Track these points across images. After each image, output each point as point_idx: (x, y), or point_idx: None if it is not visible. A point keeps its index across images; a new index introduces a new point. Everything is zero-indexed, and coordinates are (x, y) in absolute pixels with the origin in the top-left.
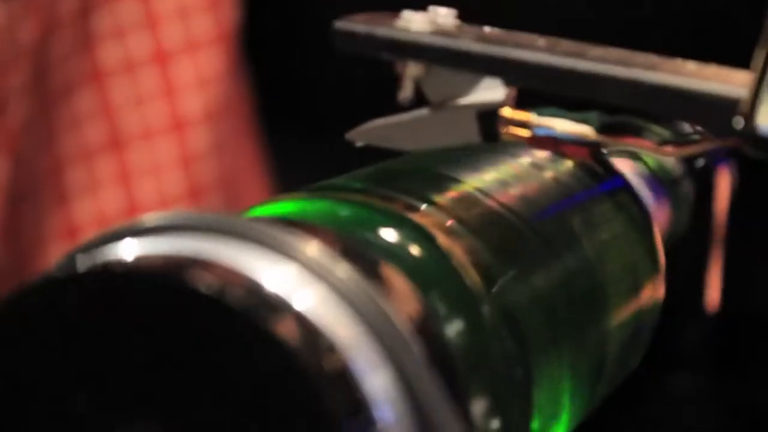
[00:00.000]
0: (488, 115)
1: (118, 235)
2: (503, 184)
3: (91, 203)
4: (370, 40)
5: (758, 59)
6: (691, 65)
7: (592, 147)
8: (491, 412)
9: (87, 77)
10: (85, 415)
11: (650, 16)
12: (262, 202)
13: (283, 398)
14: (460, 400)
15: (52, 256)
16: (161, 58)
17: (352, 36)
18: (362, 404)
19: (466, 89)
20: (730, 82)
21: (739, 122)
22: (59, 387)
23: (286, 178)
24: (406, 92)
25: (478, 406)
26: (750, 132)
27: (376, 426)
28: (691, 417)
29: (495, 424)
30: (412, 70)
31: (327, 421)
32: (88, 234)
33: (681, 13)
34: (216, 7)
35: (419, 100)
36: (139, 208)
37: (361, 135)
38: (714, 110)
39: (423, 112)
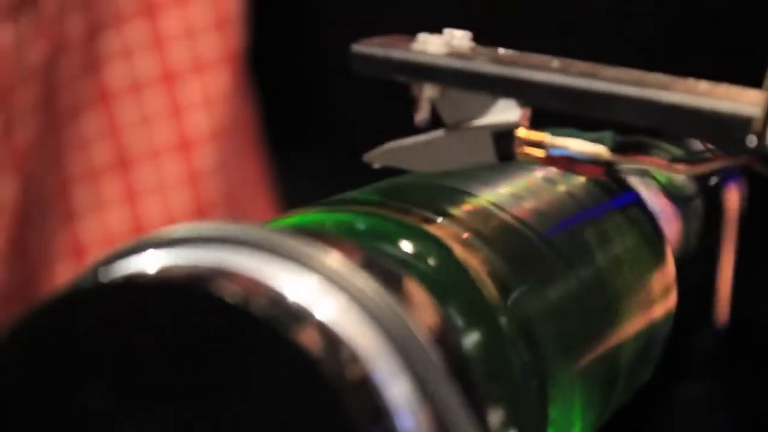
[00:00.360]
0: (503, 136)
1: (141, 247)
2: (517, 198)
3: (98, 223)
4: (387, 62)
5: None
6: (703, 84)
7: (606, 166)
8: (508, 423)
9: (94, 97)
10: (105, 416)
11: (661, 37)
12: (281, 215)
13: (305, 406)
14: (477, 410)
15: (59, 274)
16: (168, 78)
17: (369, 59)
18: (383, 412)
19: (482, 111)
20: (742, 100)
21: (752, 141)
22: (84, 397)
23: (292, 195)
24: (422, 114)
25: (495, 417)
26: (763, 150)
27: None
28: (700, 426)
29: (512, 430)
30: (428, 92)
31: (348, 429)
32: (95, 253)
33: (692, 33)
34: (222, 27)
35: (435, 121)
36: (146, 227)
37: (378, 157)
38: (726, 129)
39: (439, 133)
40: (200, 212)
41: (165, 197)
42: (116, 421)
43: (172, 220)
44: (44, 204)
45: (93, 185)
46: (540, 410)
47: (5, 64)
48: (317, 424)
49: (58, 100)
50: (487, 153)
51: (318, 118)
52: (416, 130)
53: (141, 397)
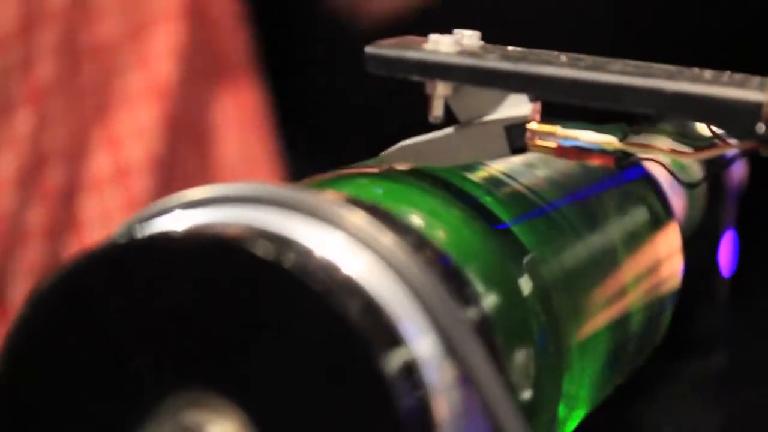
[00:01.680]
0: (515, 129)
1: (168, 209)
2: (529, 166)
3: (112, 158)
4: (401, 62)
5: None
6: (708, 73)
7: (617, 155)
8: (527, 383)
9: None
10: (144, 373)
11: (666, 31)
12: (303, 181)
13: (335, 361)
14: (500, 368)
15: (78, 209)
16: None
17: (383, 60)
18: (410, 366)
19: (493, 106)
20: (747, 87)
21: (761, 128)
22: (121, 347)
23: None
24: (436, 111)
25: (516, 376)
26: None
27: (424, 387)
28: (703, 407)
29: (527, 394)
30: (441, 90)
31: (377, 383)
32: (116, 187)
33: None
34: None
35: (448, 118)
36: None
37: (394, 155)
38: (734, 115)
39: (453, 129)
40: None
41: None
42: (150, 379)
43: None
44: (61, 145)
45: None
46: (556, 377)
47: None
48: (345, 377)
49: (79, 42)
50: (501, 146)
51: (330, 112)
52: (431, 127)
53: (174, 353)
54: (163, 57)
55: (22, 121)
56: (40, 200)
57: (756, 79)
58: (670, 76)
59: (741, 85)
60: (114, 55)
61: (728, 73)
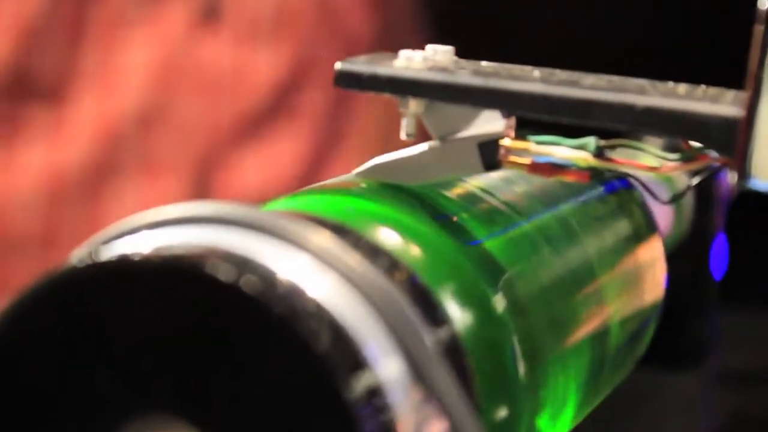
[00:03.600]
0: (489, 146)
1: (135, 228)
2: (506, 182)
3: (111, 55)
4: (373, 79)
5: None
6: (682, 87)
7: (591, 171)
8: (498, 403)
9: None
10: (104, 397)
11: (639, 44)
12: (273, 199)
13: (297, 384)
14: (467, 390)
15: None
16: None
17: (354, 76)
18: (375, 391)
19: (466, 122)
20: (721, 102)
21: (734, 177)
22: (79, 372)
23: None
24: (409, 128)
25: (485, 395)
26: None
27: (389, 411)
28: (693, 415)
29: (502, 413)
30: (413, 107)
31: (340, 407)
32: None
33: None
34: None
35: (421, 135)
36: None
37: (367, 172)
38: (707, 130)
39: (425, 146)
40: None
41: None
42: (111, 398)
43: None
44: (57, 27)
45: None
46: (531, 392)
47: None
48: (309, 401)
49: None
50: (474, 163)
51: None
52: (403, 145)
53: (134, 378)
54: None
55: None
56: None
57: (731, 93)
58: (643, 91)
59: (715, 99)
60: None
61: (703, 87)
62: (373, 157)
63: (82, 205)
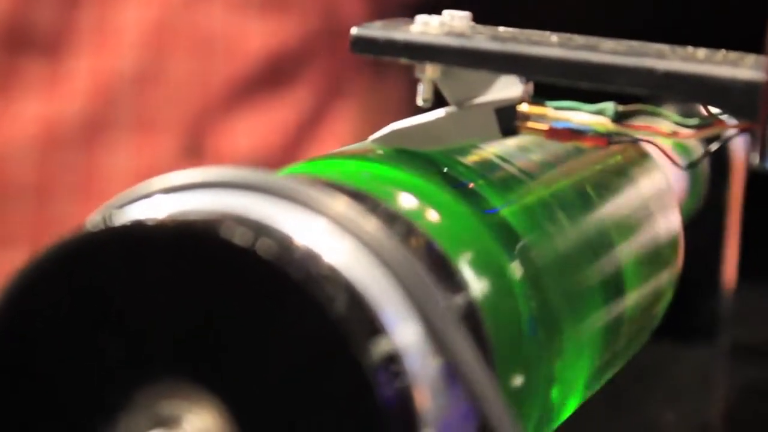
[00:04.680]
0: (506, 111)
1: (149, 193)
2: (523, 150)
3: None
4: (389, 44)
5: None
6: (702, 52)
7: (609, 136)
8: (514, 370)
9: None
10: (117, 364)
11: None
12: (291, 165)
13: (314, 348)
14: (485, 356)
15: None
16: None
17: (370, 41)
18: (392, 356)
19: (484, 88)
20: (742, 66)
21: (755, 158)
22: (93, 338)
23: None
24: (425, 94)
25: (503, 362)
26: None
27: (405, 376)
28: (705, 390)
29: (517, 380)
30: (430, 73)
31: (357, 372)
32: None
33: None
34: None
35: (438, 101)
36: None
37: (384, 139)
38: (728, 94)
39: (442, 112)
40: None
41: None
42: (124, 371)
43: None
44: None
45: None
46: (546, 364)
47: None
48: (324, 366)
49: None
50: (491, 129)
51: None
52: (420, 111)
53: (149, 344)
54: None
55: None
56: None
57: (751, 58)
58: (663, 56)
59: (736, 63)
60: None
61: (723, 51)
62: (363, 128)
63: (76, 157)
